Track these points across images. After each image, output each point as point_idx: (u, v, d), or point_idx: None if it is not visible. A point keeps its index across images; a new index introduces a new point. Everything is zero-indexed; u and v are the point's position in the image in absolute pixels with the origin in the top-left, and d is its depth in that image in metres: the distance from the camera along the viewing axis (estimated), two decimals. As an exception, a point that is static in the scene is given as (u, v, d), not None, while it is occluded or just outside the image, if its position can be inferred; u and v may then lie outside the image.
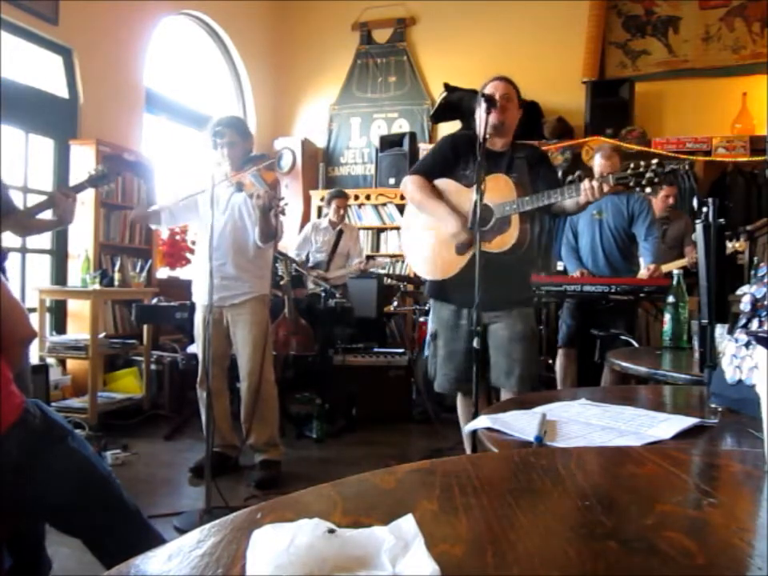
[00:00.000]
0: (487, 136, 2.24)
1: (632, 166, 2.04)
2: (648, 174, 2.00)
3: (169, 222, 3.15)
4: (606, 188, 2.06)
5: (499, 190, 2.29)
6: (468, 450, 2.44)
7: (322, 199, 6.14)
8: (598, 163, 3.47)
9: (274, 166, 2.74)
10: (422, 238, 2.51)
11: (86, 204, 4.18)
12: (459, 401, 2.58)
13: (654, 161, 2.01)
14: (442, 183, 2.46)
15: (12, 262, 3.98)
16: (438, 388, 2.57)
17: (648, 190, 2.05)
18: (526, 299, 2.54)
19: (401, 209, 5.95)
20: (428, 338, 2.62)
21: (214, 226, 2.89)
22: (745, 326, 1.19)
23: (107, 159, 3.96)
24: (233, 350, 3.11)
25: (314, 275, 4.57)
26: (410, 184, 2.48)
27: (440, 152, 2.52)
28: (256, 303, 3.02)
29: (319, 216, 6.14)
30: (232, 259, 2.97)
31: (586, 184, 2.08)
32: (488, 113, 2.27)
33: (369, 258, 5.29)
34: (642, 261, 3.57)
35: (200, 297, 3.04)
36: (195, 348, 3.32)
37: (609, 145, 3.63)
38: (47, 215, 2.70)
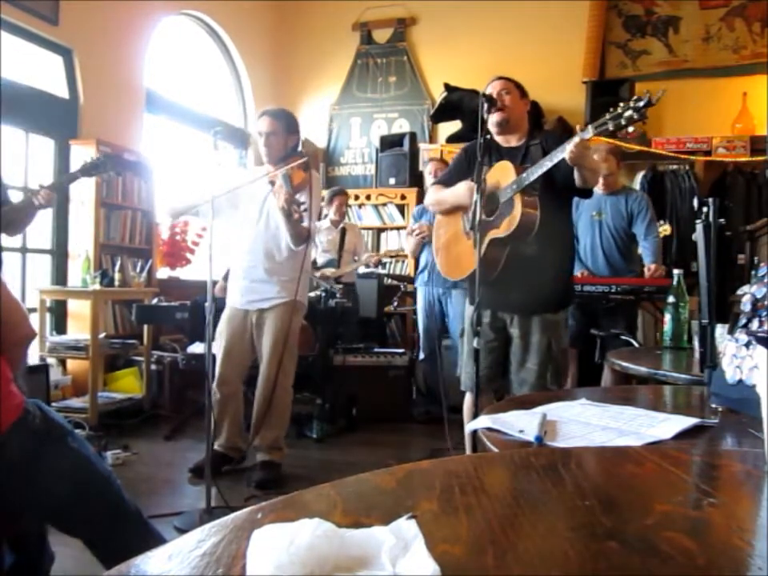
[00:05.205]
0: (490, 136, 2.24)
1: (610, 110, 1.93)
2: (626, 114, 1.88)
3: (208, 216, 2.69)
4: (583, 142, 2.00)
5: (504, 175, 2.28)
6: (468, 450, 2.43)
7: (322, 199, 6.14)
8: None
9: (307, 164, 2.68)
10: (446, 241, 2.55)
11: (86, 204, 4.18)
12: (467, 399, 2.51)
13: (633, 99, 1.88)
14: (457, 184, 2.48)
15: (12, 261, 3.98)
16: (462, 387, 2.49)
17: (630, 129, 1.94)
18: (552, 304, 2.37)
19: (401, 209, 5.95)
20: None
21: (246, 226, 2.91)
22: (745, 326, 1.19)
23: (107, 156, 3.93)
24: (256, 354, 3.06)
25: (319, 275, 4.49)
26: (431, 193, 2.60)
27: (455, 163, 2.61)
28: (282, 309, 2.93)
29: (319, 217, 6.13)
30: (262, 262, 2.92)
31: (568, 146, 2.02)
32: (489, 113, 2.29)
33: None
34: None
35: (230, 298, 3.04)
36: (214, 348, 3.27)
37: (605, 146, 3.59)
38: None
